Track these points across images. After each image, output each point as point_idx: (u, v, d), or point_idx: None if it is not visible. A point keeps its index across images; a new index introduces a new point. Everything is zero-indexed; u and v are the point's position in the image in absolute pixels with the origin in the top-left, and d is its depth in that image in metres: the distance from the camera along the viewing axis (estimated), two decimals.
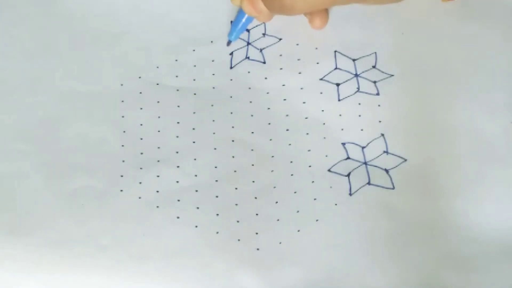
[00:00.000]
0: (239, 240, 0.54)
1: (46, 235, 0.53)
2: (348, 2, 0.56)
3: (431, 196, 0.56)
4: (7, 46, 0.61)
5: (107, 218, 0.54)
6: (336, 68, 0.61)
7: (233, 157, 0.57)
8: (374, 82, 0.60)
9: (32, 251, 0.53)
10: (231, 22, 0.62)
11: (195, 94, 0.60)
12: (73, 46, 0.61)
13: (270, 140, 0.58)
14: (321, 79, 0.61)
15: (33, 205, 0.55)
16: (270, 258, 0.54)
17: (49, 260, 0.53)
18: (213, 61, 0.61)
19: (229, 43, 0.61)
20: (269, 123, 0.59)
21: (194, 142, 0.58)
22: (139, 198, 0.55)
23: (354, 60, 0.61)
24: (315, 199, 0.56)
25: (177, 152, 0.57)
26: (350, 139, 0.58)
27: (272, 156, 0.57)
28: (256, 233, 0.54)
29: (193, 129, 0.58)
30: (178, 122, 0.58)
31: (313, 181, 0.57)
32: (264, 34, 0.63)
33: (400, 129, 0.59)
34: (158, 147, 0.57)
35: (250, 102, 0.60)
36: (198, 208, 0.55)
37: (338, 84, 0.61)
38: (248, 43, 0.62)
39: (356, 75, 0.61)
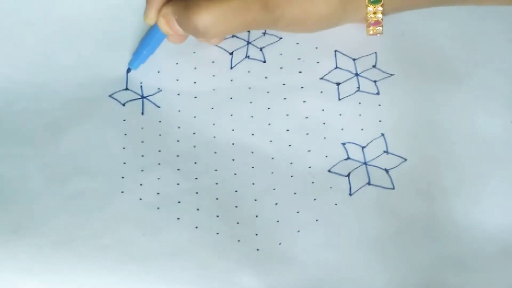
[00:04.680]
0: (239, 241, 0.54)
1: (47, 236, 0.53)
2: (260, 28, 0.57)
3: (431, 196, 0.56)
4: (10, 53, 0.61)
5: (108, 219, 0.54)
6: (336, 68, 0.61)
7: (233, 160, 0.57)
8: (375, 81, 0.60)
9: (33, 251, 0.53)
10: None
11: (195, 97, 0.60)
12: (75, 52, 0.61)
13: (270, 141, 0.58)
14: (321, 78, 0.61)
15: (34, 206, 0.54)
16: (270, 258, 0.54)
17: (50, 260, 0.53)
18: (213, 62, 0.61)
19: (128, 70, 0.61)
20: (269, 124, 0.59)
21: (194, 146, 0.58)
22: (140, 199, 0.55)
23: (354, 59, 0.61)
24: (315, 199, 0.56)
25: (177, 156, 0.57)
26: (350, 138, 0.58)
27: (272, 158, 0.57)
28: (256, 234, 0.55)
29: (194, 133, 0.58)
30: (179, 127, 0.59)
31: (313, 182, 0.57)
32: (264, 33, 0.63)
33: (400, 129, 0.59)
34: (159, 150, 0.57)
35: (250, 102, 0.60)
36: (198, 209, 0.55)
37: (338, 84, 0.60)
38: (248, 42, 0.62)
39: (356, 75, 0.61)
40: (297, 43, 0.62)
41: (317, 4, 0.55)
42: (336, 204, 0.56)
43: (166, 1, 0.57)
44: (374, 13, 0.57)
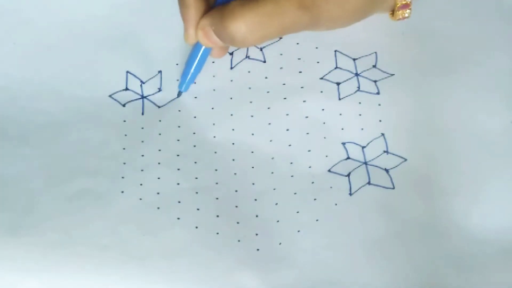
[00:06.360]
0: (239, 240, 0.54)
1: (47, 236, 0.53)
2: (298, 30, 0.55)
3: (431, 196, 0.56)
4: (10, 52, 0.61)
5: (108, 219, 0.54)
6: (336, 67, 0.61)
7: (233, 160, 0.57)
8: (375, 81, 0.60)
9: (33, 251, 0.53)
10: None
11: (195, 97, 0.60)
12: (75, 51, 0.61)
13: (270, 141, 0.58)
14: (321, 78, 0.61)
15: (34, 206, 0.55)
16: (270, 258, 0.54)
17: (50, 260, 0.53)
18: (213, 62, 0.61)
19: (179, 94, 0.60)
20: (269, 123, 0.59)
21: (194, 146, 0.58)
22: (140, 199, 0.55)
23: (354, 59, 0.61)
24: (315, 199, 0.56)
25: (177, 155, 0.57)
26: (350, 138, 0.58)
27: (272, 158, 0.57)
28: (256, 234, 0.55)
29: (194, 133, 0.58)
30: (179, 126, 0.59)
31: (313, 182, 0.57)
32: None
33: (400, 129, 0.59)
34: (159, 150, 0.57)
35: (250, 102, 0.60)
36: (198, 209, 0.55)
37: (338, 83, 0.60)
38: None
39: (357, 74, 0.61)
40: (297, 43, 0.62)
41: None
42: (336, 204, 0.56)
43: (201, 16, 0.56)
44: None
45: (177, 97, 0.60)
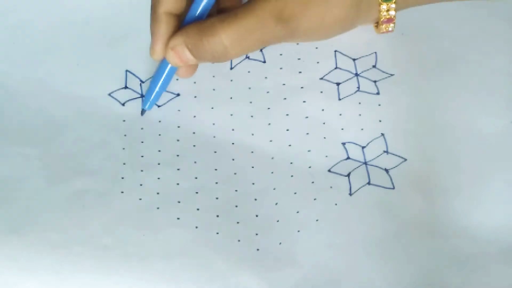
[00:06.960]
0: (239, 240, 0.54)
1: (47, 236, 0.54)
2: (278, 42, 0.55)
3: (431, 196, 0.56)
4: (10, 51, 0.61)
5: (108, 219, 0.54)
6: (336, 68, 0.61)
7: (233, 159, 0.57)
8: (374, 81, 0.60)
9: (33, 251, 0.53)
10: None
11: (195, 97, 0.60)
12: (74, 51, 0.61)
13: (270, 141, 0.58)
14: (321, 78, 0.61)
15: (35, 206, 0.55)
16: (270, 258, 0.54)
17: (50, 260, 0.53)
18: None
19: (143, 112, 0.59)
20: (269, 124, 0.59)
21: (194, 145, 0.58)
22: (140, 199, 0.55)
23: (354, 59, 0.61)
24: (315, 199, 0.56)
25: (177, 155, 0.57)
26: (350, 138, 0.58)
27: (272, 158, 0.57)
28: (256, 234, 0.55)
29: (193, 133, 0.58)
30: (178, 126, 0.59)
31: (313, 182, 0.57)
32: None
33: (400, 129, 0.59)
34: (159, 150, 0.57)
35: (250, 102, 0.60)
36: (198, 209, 0.55)
37: (338, 84, 0.60)
38: None
39: (356, 75, 0.61)
40: (297, 43, 0.62)
41: (331, 8, 0.54)
42: (336, 204, 0.56)
43: (172, 33, 0.56)
44: (387, 10, 0.56)
45: (141, 115, 0.59)
